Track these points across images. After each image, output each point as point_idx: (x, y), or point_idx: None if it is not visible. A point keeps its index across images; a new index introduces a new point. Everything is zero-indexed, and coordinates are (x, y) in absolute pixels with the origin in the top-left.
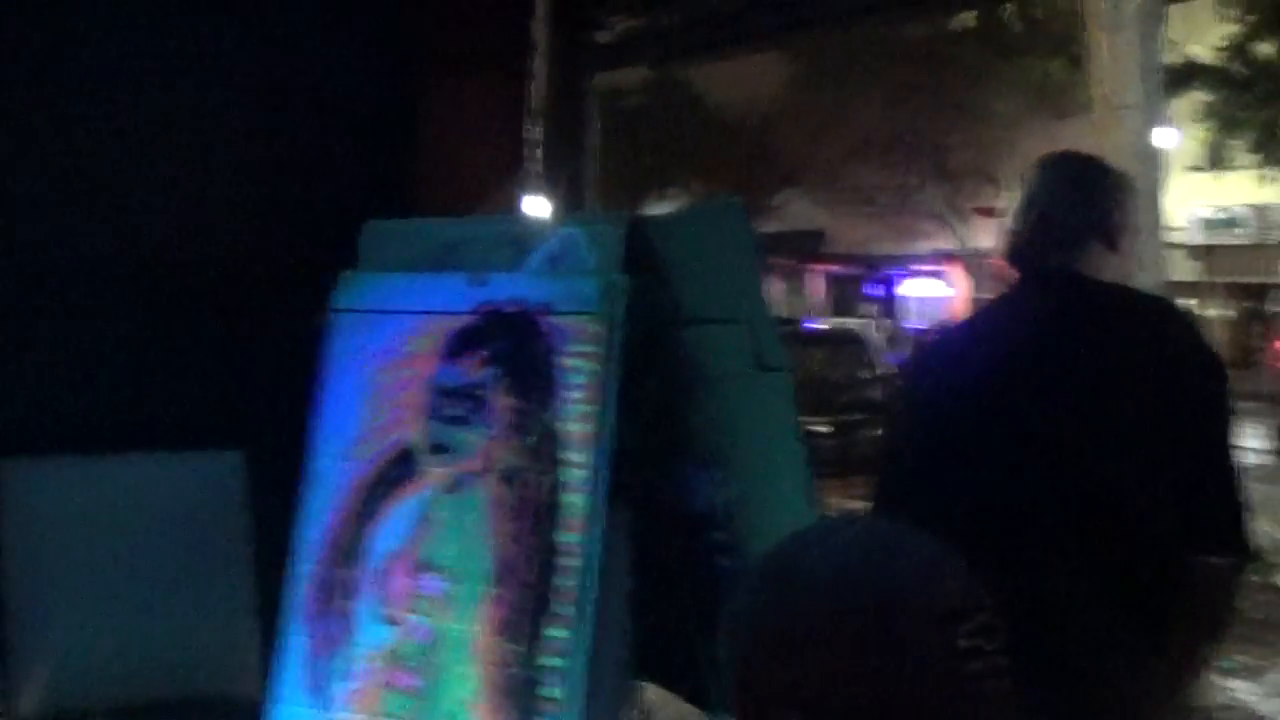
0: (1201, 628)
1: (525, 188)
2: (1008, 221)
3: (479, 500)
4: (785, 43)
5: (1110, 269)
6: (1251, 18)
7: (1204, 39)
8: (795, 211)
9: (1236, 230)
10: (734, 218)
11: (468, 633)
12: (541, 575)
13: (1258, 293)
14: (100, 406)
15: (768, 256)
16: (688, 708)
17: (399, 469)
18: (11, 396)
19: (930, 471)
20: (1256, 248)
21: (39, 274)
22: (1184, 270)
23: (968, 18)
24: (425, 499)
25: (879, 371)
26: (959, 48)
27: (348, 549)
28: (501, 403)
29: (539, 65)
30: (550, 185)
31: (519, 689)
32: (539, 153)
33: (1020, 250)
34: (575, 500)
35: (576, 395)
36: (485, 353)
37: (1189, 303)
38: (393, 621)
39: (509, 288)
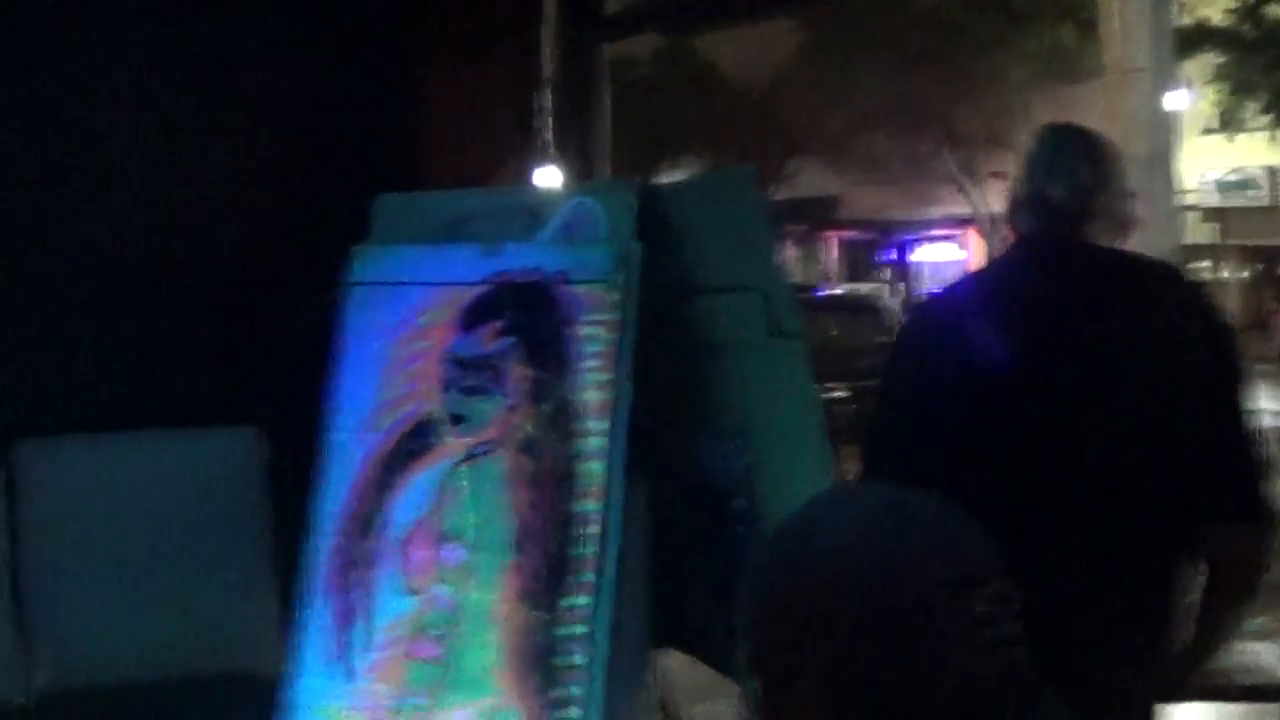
0: (1230, 595)
1: (537, 158)
2: (1010, 191)
3: (497, 470)
4: (794, 11)
5: (1107, 235)
6: None
7: (1215, 1)
8: (807, 178)
9: (1250, 192)
10: (745, 185)
11: (489, 601)
12: (561, 544)
13: (1272, 255)
14: (114, 385)
15: (781, 224)
16: (707, 673)
17: (416, 440)
18: (26, 377)
19: (929, 437)
20: (1270, 209)
21: (52, 253)
22: (1198, 233)
23: None
24: (443, 470)
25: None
26: (968, 14)
27: (367, 521)
28: (518, 372)
29: (548, 36)
30: (562, 155)
31: (541, 656)
32: (550, 123)
33: (1021, 217)
34: (593, 469)
35: (592, 364)
36: (500, 323)
37: (1202, 265)
38: (414, 592)
39: (522, 258)
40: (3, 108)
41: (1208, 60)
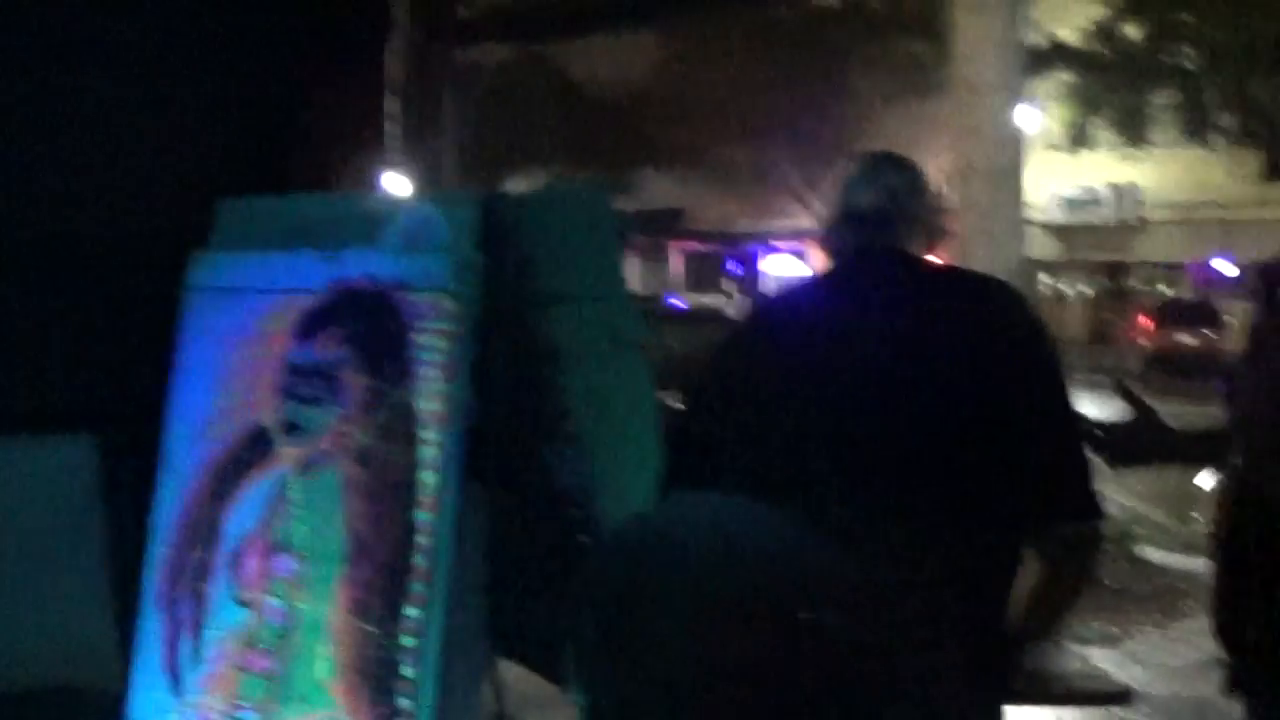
0: (1065, 589)
1: (385, 165)
2: (827, 213)
3: (333, 480)
4: (644, 24)
5: (918, 244)
6: (1117, 0)
7: (1069, 21)
8: (655, 189)
9: (1095, 209)
10: (594, 196)
11: (323, 614)
12: (396, 554)
13: (1115, 270)
14: None
15: (628, 234)
16: (545, 685)
17: (252, 449)
18: None
19: (746, 444)
20: (1115, 226)
21: None
22: (1043, 248)
23: None
24: (279, 479)
25: None
26: (825, 28)
27: (202, 531)
28: (355, 381)
29: (398, 42)
30: (409, 162)
31: (375, 669)
32: (398, 130)
33: (834, 233)
34: (429, 479)
35: (430, 373)
36: (338, 331)
37: (1047, 280)
38: (247, 604)
39: (363, 265)
40: None
41: (1058, 78)
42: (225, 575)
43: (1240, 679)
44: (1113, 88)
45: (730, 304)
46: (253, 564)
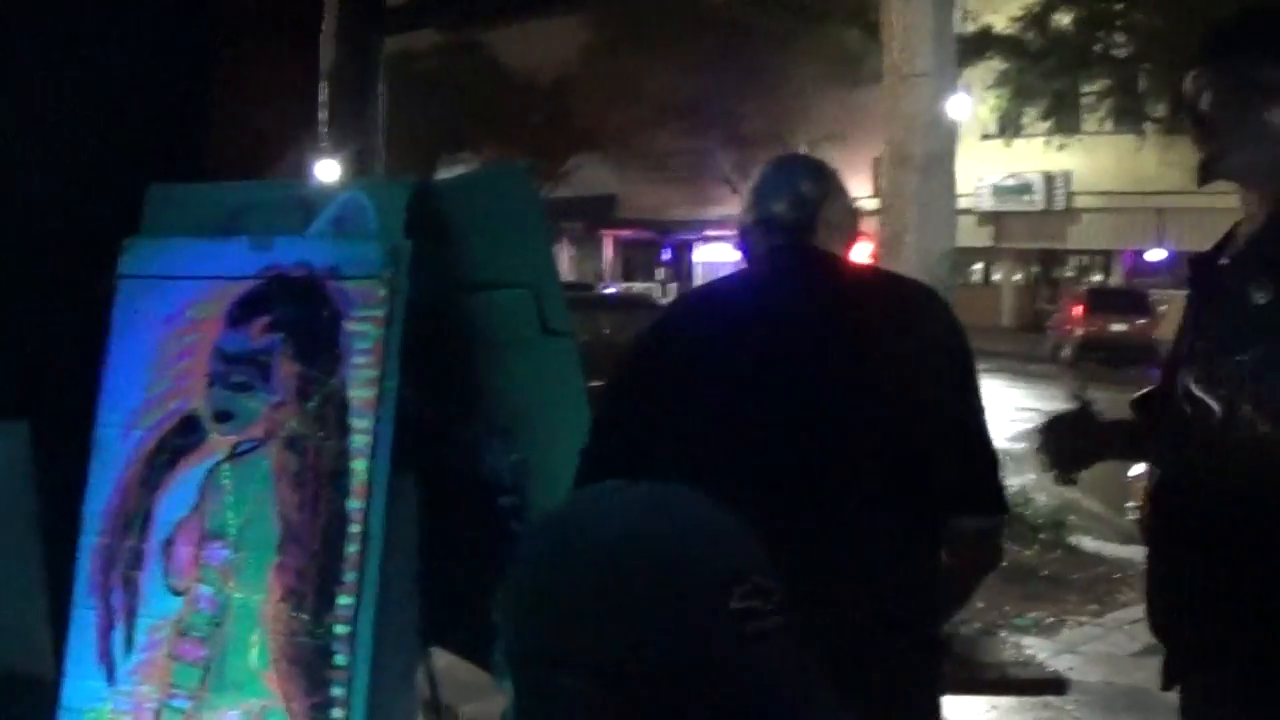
0: (971, 580)
1: (315, 152)
2: (739, 220)
3: (264, 468)
4: (575, 9)
5: (834, 245)
6: None
7: (1001, 8)
8: (588, 176)
9: (1026, 197)
10: (521, 182)
11: (255, 602)
12: (328, 543)
13: (1046, 258)
14: None
15: (560, 221)
16: (478, 673)
17: (183, 437)
18: None
19: (669, 434)
20: (1045, 214)
21: None
22: (974, 236)
23: None
24: (210, 467)
25: None
26: (756, 15)
27: (132, 519)
28: (286, 369)
29: (328, 27)
30: (338, 149)
31: (308, 657)
32: (327, 116)
33: (751, 238)
34: (360, 467)
35: (361, 361)
36: (269, 318)
37: (978, 267)
38: (179, 592)
39: (293, 252)
40: None
41: (989, 66)
42: (157, 563)
43: (1174, 670)
44: (1044, 75)
45: (662, 292)
46: (185, 552)
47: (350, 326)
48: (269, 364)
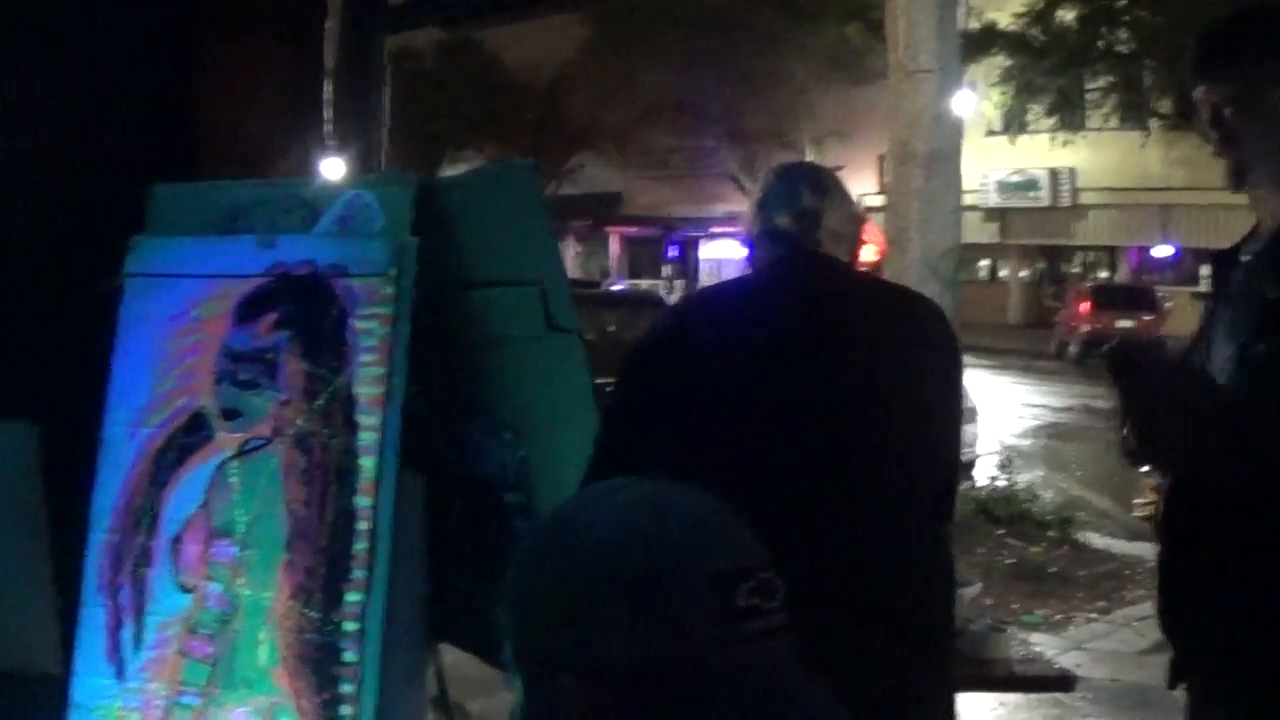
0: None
1: (318, 150)
2: (744, 230)
3: (271, 465)
4: (577, 7)
5: (839, 254)
6: None
7: (1004, 5)
8: (592, 174)
9: (1031, 193)
10: (524, 179)
11: (264, 599)
12: (336, 540)
13: (1052, 254)
14: None
15: (565, 219)
16: (486, 670)
17: (190, 435)
18: None
19: (679, 436)
20: (1051, 210)
21: None
22: (980, 232)
23: None
24: (217, 465)
25: None
26: (754, 12)
27: (140, 517)
28: (293, 366)
29: (330, 26)
30: (342, 147)
31: (316, 654)
32: (330, 114)
33: (758, 250)
34: (367, 464)
35: (368, 358)
36: (275, 316)
37: (984, 264)
38: (188, 589)
39: (298, 250)
40: None
41: (994, 63)
42: (166, 561)
43: (1181, 669)
44: (1048, 72)
45: (669, 289)
46: (193, 549)
47: (357, 324)
48: (276, 362)
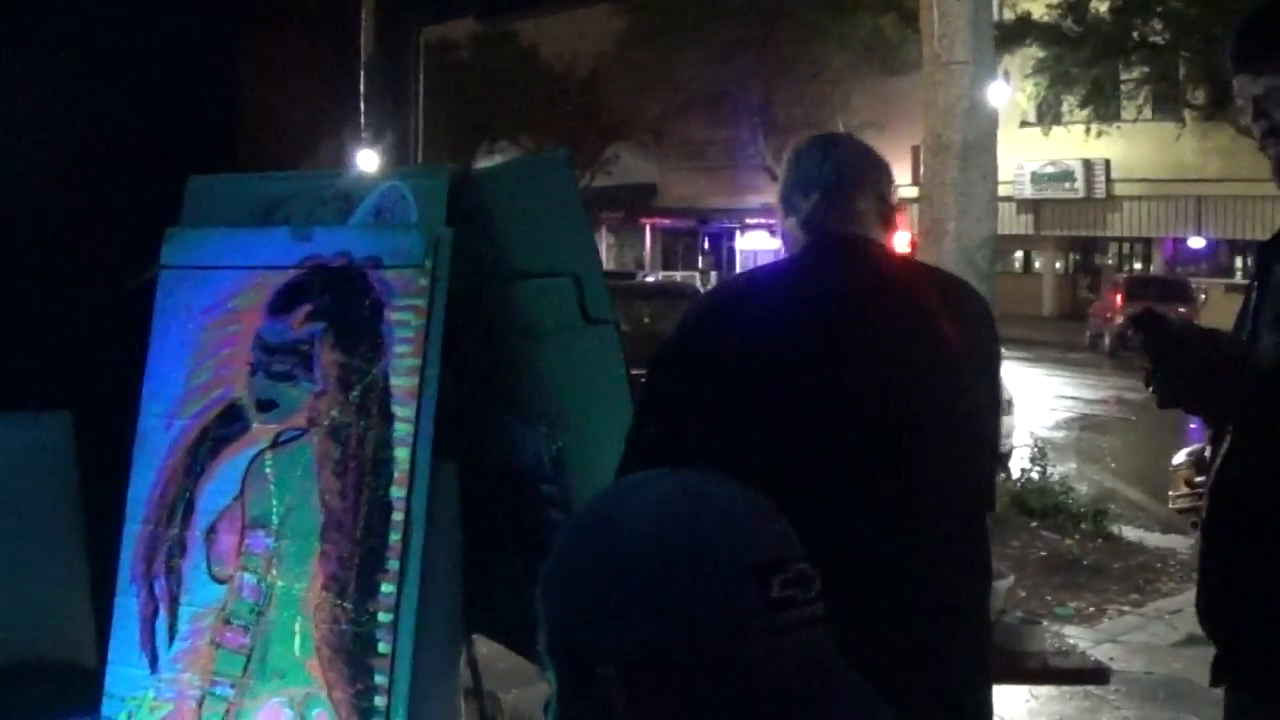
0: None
1: (354, 141)
2: (777, 203)
3: (306, 456)
4: None
5: (874, 235)
6: None
7: None
8: (627, 165)
9: (1066, 185)
10: (559, 170)
11: (298, 590)
12: (370, 531)
13: (1086, 246)
14: None
15: (599, 210)
16: (521, 661)
17: (225, 426)
18: None
19: (717, 427)
20: (1085, 201)
21: None
22: (1014, 224)
23: None
24: (252, 456)
25: None
26: (790, 3)
27: (175, 507)
28: (328, 358)
29: (365, 18)
30: (377, 139)
31: (350, 645)
32: (366, 106)
33: (813, 219)
34: (402, 455)
35: (403, 349)
36: (310, 307)
37: (1018, 255)
38: (222, 580)
39: (334, 242)
40: None
41: (1028, 54)
42: (200, 552)
43: (1224, 669)
44: (1083, 63)
45: (703, 280)
46: (228, 540)
47: (391, 315)
48: (311, 353)
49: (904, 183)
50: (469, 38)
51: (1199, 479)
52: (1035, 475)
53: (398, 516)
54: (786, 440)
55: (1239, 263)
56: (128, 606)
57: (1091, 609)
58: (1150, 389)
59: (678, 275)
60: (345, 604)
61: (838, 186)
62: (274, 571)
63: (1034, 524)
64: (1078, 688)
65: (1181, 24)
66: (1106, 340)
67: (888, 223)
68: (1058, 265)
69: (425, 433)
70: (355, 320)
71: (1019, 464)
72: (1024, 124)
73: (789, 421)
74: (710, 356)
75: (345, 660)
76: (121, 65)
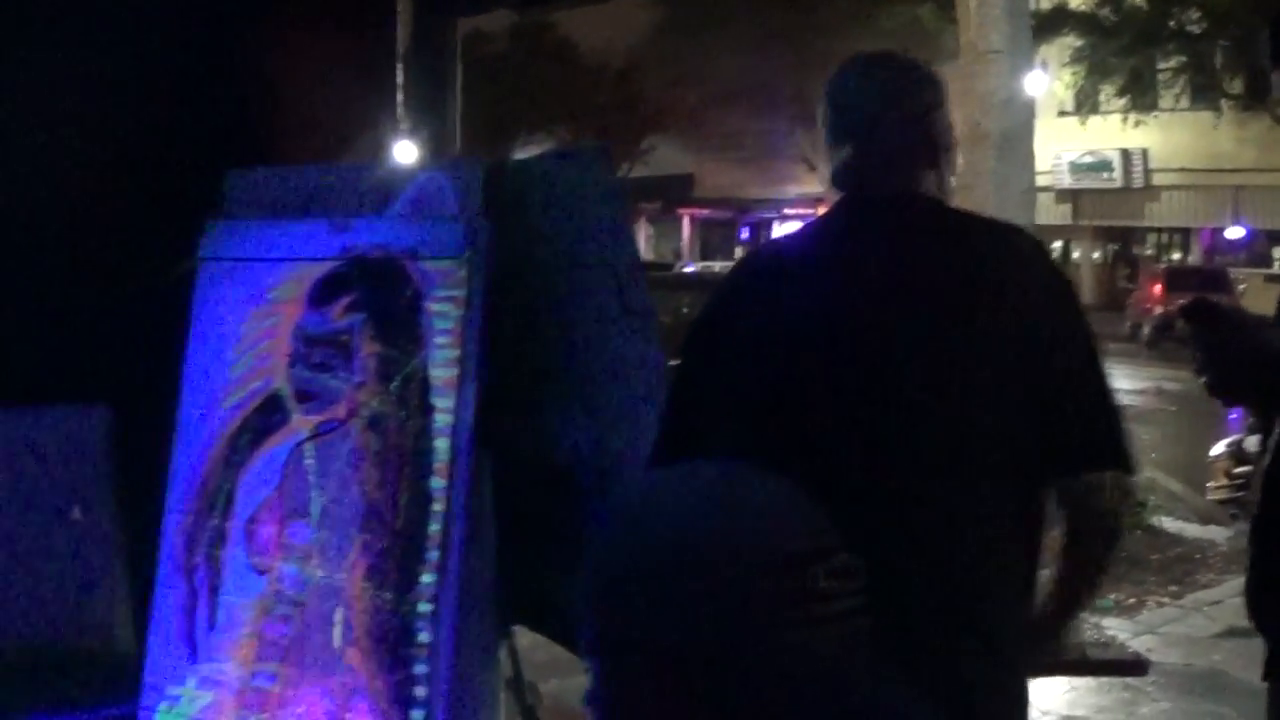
0: (1093, 558)
1: (391, 133)
2: (828, 143)
3: (346, 447)
4: None
5: (932, 188)
6: None
7: None
8: (663, 156)
9: (1104, 174)
10: (597, 161)
11: (338, 580)
12: (410, 521)
13: (1124, 236)
14: None
15: (637, 201)
16: (559, 651)
17: (265, 417)
18: None
19: (748, 406)
20: (1123, 191)
21: None
22: (1052, 214)
23: None
24: (292, 447)
25: None
26: None
27: (217, 499)
28: (367, 349)
29: (402, 10)
30: (415, 131)
31: (391, 635)
32: (403, 98)
33: (845, 175)
34: (442, 446)
35: (442, 340)
36: (350, 299)
37: (1056, 245)
38: (263, 570)
39: (372, 233)
40: None
41: (1065, 43)
42: (241, 542)
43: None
44: (1119, 52)
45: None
46: (269, 531)
47: (431, 306)
48: (351, 344)
49: None
50: (506, 30)
51: (1238, 470)
52: None
53: (438, 507)
54: (794, 425)
55: (1277, 253)
56: (168, 597)
57: (1131, 600)
58: (1201, 378)
59: (716, 266)
60: (386, 594)
61: (870, 133)
62: (314, 562)
63: None
64: (1116, 679)
65: (1217, 14)
66: (1145, 330)
67: (938, 163)
68: (1096, 255)
69: (465, 423)
70: (395, 311)
71: None
72: (1062, 114)
73: (796, 404)
74: (728, 334)
75: (386, 650)
76: (160, 59)
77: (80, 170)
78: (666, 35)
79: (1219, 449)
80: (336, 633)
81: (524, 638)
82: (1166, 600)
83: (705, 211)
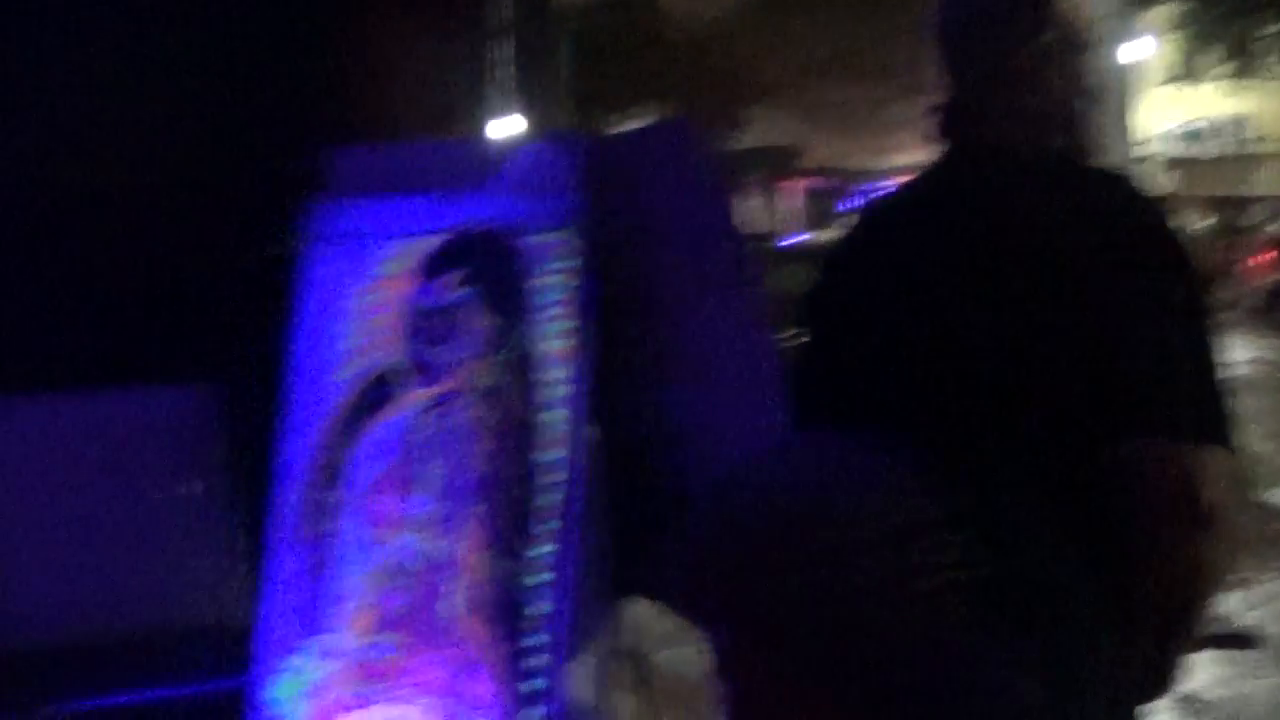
0: (1164, 541)
1: (494, 108)
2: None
3: (461, 420)
4: None
5: (1047, 130)
6: None
7: None
8: (767, 127)
9: (1209, 142)
10: (691, 134)
11: (455, 551)
12: (525, 492)
13: (1233, 205)
14: (73, 343)
15: (741, 172)
16: (670, 622)
17: (379, 391)
18: None
19: (852, 369)
20: (1228, 159)
21: None
22: (1158, 183)
23: None
24: (407, 420)
25: None
26: None
27: (332, 472)
28: (479, 322)
29: None
30: (519, 105)
31: (508, 605)
32: (507, 73)
33: (944, 123)
34: (555, 417)
35: (553, 312)
36: (460, 273)
37: None
38: (380, 542)
39: (480, 207)
40: None
41: (1169, 9)
42: (357, 515)
43: None
44: (1223, 18)
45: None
46: (384, 503)
47: (540, 279)
48: (462, 317)
49: None
50: (598, 2)
51: None
52: None
53: (554, 477)
54: (873, 384)
55: None
56: (283, 569)
57: (1240, 574)
58: None
59: (821, 236)
60: (503, 564)
61: (958, 79)
62: (432, 533)
63: None
64: (1223, 653)
65: None
66: (1252, 300)
67: (1061, 104)
68: (1199, 224)
69: (578, 395)
70: (504, 284)
71: None
72: (1165, 81)
73: (873, 362)
74: (831, 289)
75: (503, 621)
76: (263, 40)
77: (188, 153)
78: (768, 2)
79: None
80: (454, 604)
81: (635, 609)
82: (1276, 574)
83: (809, 182)
